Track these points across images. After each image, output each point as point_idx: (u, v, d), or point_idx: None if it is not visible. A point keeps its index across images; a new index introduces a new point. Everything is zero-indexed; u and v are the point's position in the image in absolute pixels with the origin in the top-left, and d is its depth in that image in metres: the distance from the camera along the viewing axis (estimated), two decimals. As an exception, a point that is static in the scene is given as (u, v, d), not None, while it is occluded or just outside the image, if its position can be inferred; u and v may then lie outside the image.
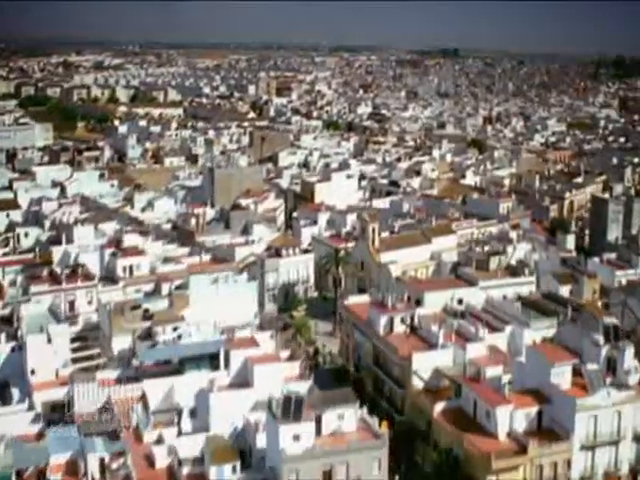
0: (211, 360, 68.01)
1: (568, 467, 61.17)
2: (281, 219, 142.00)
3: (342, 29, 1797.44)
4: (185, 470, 56.15)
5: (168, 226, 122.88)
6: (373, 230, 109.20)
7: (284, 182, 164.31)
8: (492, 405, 61.37)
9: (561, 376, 62.43)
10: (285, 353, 71.39)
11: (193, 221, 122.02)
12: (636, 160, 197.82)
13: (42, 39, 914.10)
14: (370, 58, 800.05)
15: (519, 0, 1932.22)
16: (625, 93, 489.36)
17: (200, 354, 68.86)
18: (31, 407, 65.99)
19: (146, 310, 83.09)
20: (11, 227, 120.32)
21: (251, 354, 66.11)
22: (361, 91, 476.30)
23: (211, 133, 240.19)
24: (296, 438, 54.07)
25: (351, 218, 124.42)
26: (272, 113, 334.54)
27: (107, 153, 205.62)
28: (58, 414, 65.08)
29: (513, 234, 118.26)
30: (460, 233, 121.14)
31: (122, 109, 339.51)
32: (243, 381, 65.00)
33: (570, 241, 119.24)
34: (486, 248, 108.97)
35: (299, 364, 69.07)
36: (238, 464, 55.95)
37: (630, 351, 64.81)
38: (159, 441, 59.42)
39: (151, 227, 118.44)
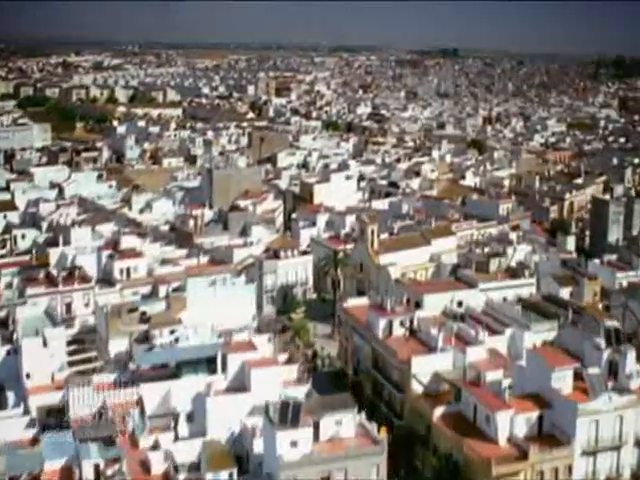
0: (208, 364, 67.25)
1: (569, 473, 60.41)
2: (280, 220, 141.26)
3: (341, 29, 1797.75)
4: (181, 476, 55.57)
5: (166, 227, 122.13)
6: (372, 232, 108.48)
7: (283, 183, 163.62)
8: (492, 410, 60.66)
9: (562, 380, 61.73)
10: (283, 356, 70.62)
11: (191, 222, 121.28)
12: (636, 161, 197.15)
13: (41, 39, 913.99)
14: (369, 58, 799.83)
15: (519, 0, 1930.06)
16: (625, 93, 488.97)
17: (197, 358, 68.19)
18: (26, 412, 65.21)
19: (143, 313, 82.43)
20: (8, 229, 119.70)
21: (248, 358, 65.33)
22: (360, 91, 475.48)
23: (210, 134, 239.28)
24: (294, 444, 53.36)
25: (350, 219, 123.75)
26: (271, 113, 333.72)
27: (105, 154, 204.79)
28: (54, 419, 64.45)
29: (513, 235, 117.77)
30: (460, 234, 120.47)
31: (121, 109, 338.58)
32: (240, 385, 64.28)
33: (570, 242, 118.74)
34: (486, 250, 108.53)
35: (297, 368, 68.36)
36: (235, 470, 55.33)
37: (632, 355, 64.05)
38: (155, 447, 58.68)
39: (149, 228, 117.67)
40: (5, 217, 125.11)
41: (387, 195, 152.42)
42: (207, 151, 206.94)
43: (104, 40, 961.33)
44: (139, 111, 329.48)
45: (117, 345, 77.12)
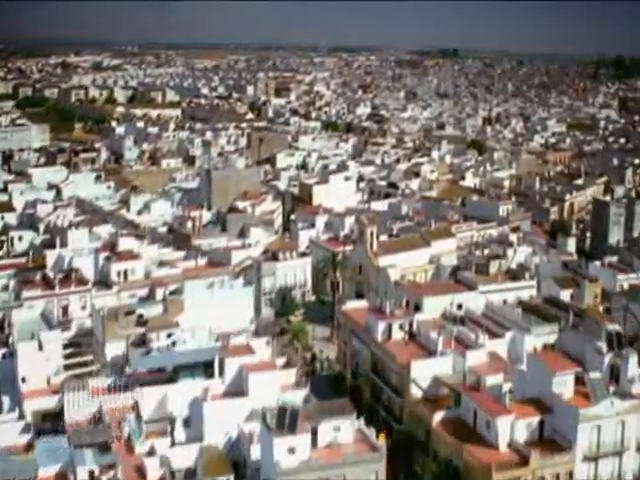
0: (205, 368, 66.65)
1: (570, 479, 59.63)
2: (279, 221, 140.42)
3: (341, 29, 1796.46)
4: (177, 483, 54.82)
5: (164, 229, 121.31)
6: (371, 233, 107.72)
7: (282, 184, 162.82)
8: (492, 415, 59.93)
9: (563, 385, 61.04)
10: (281, 360, 69.92)
11: (189, 224, 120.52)
12: (637, 161, 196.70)
13: (41, 39, 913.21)
14: (369, 58, 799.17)
15: (518, 0, 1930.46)
16: (625, 93, 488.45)
17: (194, 362, 67.50)
18: (21, 416, 64.49)
19: (140, 316, 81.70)
20: (5, 230, 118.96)
21: (246, 362, 64.84)
22: (360, 92, 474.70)
23: (209, 134, 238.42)
24: (291, 451, 52.73)
25: (349, 221, 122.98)
26: (270, 114, 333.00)
27: (104, 154, 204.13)
28: (49, 423, 63.66)
29: (513, 237, 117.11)
30: (460, 236, 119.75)
31: (120, 110, 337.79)
32: (238, 389, 63.79)
33: (571, 244, 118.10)
34: (486, 251, 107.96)
35: (295, 372, 67.69)
36: (232, 477, 54.88)
37: (634, 359, 63.31)
38: (151, 452, 58.04)
39: (147, 230, 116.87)
40: (2, 218, 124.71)
41: (386, 196, 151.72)
42: (206, 152, 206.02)
43: (104, 40, 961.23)
44: (138, 112, 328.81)
45: (114, 348, 76.48)
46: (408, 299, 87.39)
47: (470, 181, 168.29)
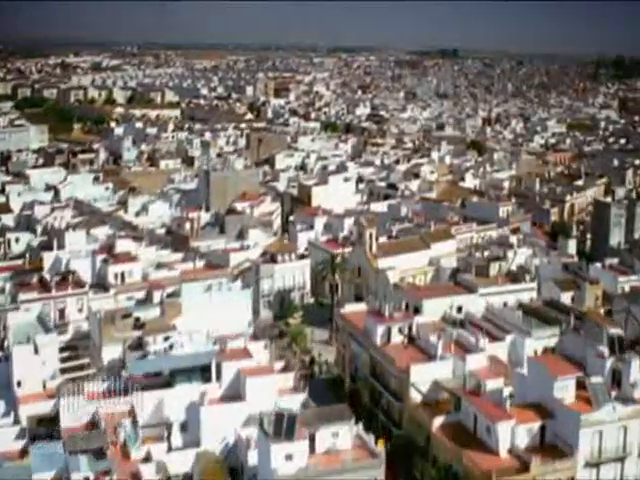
0: (202, 372, 66.00)
1: (572, 484, 59.01)
2: (277, 223, 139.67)
3: (340, 29, 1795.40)
4: (174, 488, 54.11)
5: (162, 231, 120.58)
6: (370, 235, 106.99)
7: (281, 185, 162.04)
8: (493, 420, 59.22)
9: (564, 390, 60.29)
10: (279, 364, 69.25)
11: (187, 225, 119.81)
12: (637, 162, 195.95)
13: (40, 40, 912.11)
14: (369, 59, 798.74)
15: (518, 0, 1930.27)
16: (625, 94, 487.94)
17: (191, 366, 66.84)
18: (16, 421, 63.80)
19: (137, 319, 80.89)
20: (2, 232, 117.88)
21: (244, 366, 64.21)
22: (359, 92, 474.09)
23: (208, 135, 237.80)
24: (289, 457, 51.93)
25: (348, 222, 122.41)
26: (270, 114, 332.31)
27: (102, 155, 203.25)
28: (44, 429, 62.92)
29: (513, 239, 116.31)
30: (459, 238, 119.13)
31: (119, 110, 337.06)
32: (235, 394, 63.12)
33: (571, 246, 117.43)
34: (486, 253, 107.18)
35: (293, 376, 67.00)
36: (229, 483, 53.97)
37: (636, 363, 62.43)
38: (147, 458, 57.33)
39: (145, 232, 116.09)
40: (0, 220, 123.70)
41: (386, 197, 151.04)
42: (205, 153, 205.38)
43: (103, 41, 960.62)
44: (137, 112, 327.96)
45: (110, 352, 75.86)
46: (407, 302, 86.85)
47: (470, 182, 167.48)
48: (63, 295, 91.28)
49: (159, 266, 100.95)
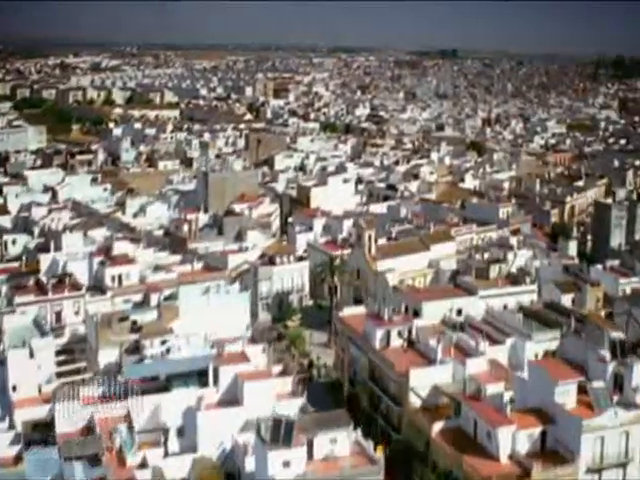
0: (199, 376, 65.22)
1: (573, 491, 58.24)
2: (276, 224, 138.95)
3: (340, 30, 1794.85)
4: (170, 495, 53.39)
5: (160, 232, 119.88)
6: (369, 237, 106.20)
7: (280, 186, 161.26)
8: (493, 425, 58.50)
9: (566, 395, 59.50)
10: (277, 368, 68.54)
11: (185, 227, 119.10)
12: (637, 163, 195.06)
13: (40, 40, 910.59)
14: (368, 59, 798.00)
15: (517, 0, 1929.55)
16: (625, 94, 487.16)
17: (188, 370, 66.14)
18: (11, 426, 63.10)
19: (134, 322, 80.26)
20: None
21: (241, 370, 63.39)
22: (359, 92, 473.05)
23: (206, 136, 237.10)
24: (286, 464, 51.18)
25: (347, 224, 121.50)
26: (269, 115, 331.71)
27: (100, 156, 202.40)
28: (39, 434, 62.21)
29: (513, 240, 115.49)
30: (459, 239, 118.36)
31: (117, 111, 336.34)
32: (233, 399, 62.33)
33: (572, 247, 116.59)
34: (486, 255, 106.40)
35: (292, 380, 66.27)
36: (225, 490, 53.26)
37: (638, 367, 61.68)
38: (143, 464, 56.57)
39: (142, 233, 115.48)
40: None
41: (385, 198, 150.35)
42: (203, 153, 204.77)
43: (103, 41, 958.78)
44: (136, 113, 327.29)
45: (107, 356, 75.07)
46: (407, 304, 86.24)
47: (470, 183, 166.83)
48: (60, 298, 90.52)
49: (157, 268, 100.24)
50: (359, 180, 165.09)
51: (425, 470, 62.36)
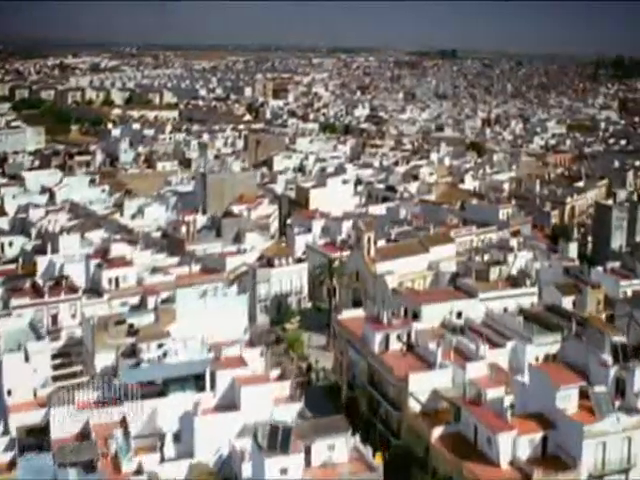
0: (196, 380, 64.58)
1: (575, 497, 57.42)
2: (275, 226, 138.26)
3: (340, 30, 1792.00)
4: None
5: (158, 234, 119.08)
6: (369, 239, 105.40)
7: (279, 187, 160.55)
8: (494, 431, 57.68)
9: (567, 400, 58.68)
10: (275, 372, 67.88)
11: (183, 229, 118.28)
12: (638, 163, 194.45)
13: (39, 40, 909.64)
14: (368, 59, 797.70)
15: (517, 0, 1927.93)
16: (625, 94, 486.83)
17: (185, 374, 65.42)
18: (6, 431, 62.30)
19: (131, 325, 79.42)
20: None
21: (239, 374, 62.65)
22: (358, 93, 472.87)
23: (205, 136, 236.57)
24: (283, 471, 50.34)
25: (347, 225, 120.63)
26: (268, 115, 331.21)
27: (99, 157, 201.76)
28: (34, 439, 61.41)
29: (513, 242, 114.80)
30: (459, 241, 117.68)
31: (116, 112, 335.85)
32: (230, 403, 61.58)
33: (572, 249, 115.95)
34: (486, 257, 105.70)
35: (290, 384, 65.58)
36: (222, 497, 52.51)
37: (640, 372, 61.07)
38: (139, 471, 55.79)
39: (140, 235, 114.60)
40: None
41: (384, 200, 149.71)
42: (202, 154, 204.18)
43: (103, 42, 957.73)
44: (135, 113, 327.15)
45: (103, 359, 74.26)
46: (406, 307, 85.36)
47: (469, 184, 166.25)
48: (56, 301, 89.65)
49: (154, 270, 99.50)
50: (358, 181, 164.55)
51: (424, 476, 61.59)
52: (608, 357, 64.39)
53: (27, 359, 69.09)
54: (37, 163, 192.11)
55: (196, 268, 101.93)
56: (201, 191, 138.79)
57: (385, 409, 70.07)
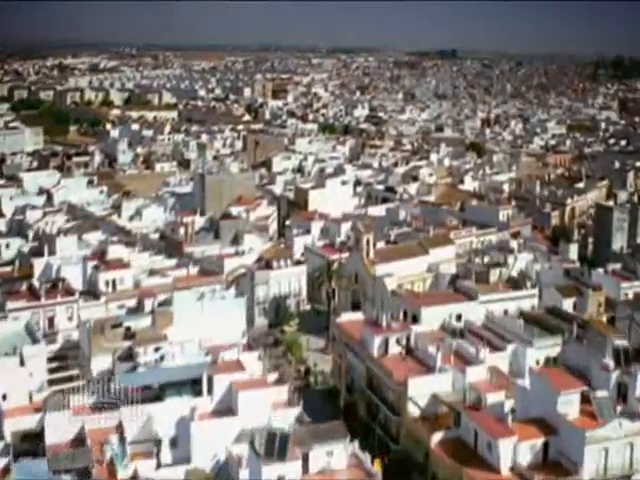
0: (193, 385, 63.84)
1: (576, 503, 56.69)
2: (273, 227, 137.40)
3: (340, 30, 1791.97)
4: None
5: (156, 236, 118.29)
6: (367, 241, 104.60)
7: (277, 188, 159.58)
8: (494, 436, 56.94)
9: (568, 405, 57.88)
10: (273, 376, 67.09)
11: (182, 230, 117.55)
12: (638, 164, 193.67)
13: (39, 41, 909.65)
14: (367, 60, 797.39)
15: (517, 0, 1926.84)
16: (624, 94, 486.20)
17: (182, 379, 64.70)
18: (0, 437, 61.47)
19: (128, 328, 78.59)
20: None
21: (236, 378, 61.93)
22: (358, 93, 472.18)
23: (204, 137, 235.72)
24: (281, 479, 49.55)
25: (346, 227, 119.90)
26: (267, 116, 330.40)
27: (97, 158, 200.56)
28: (29, 444, 60.60)
29: (514, 243, 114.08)
30: (459, 242, 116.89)
31: (115, 112, 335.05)
32: (227, 408, 60.87)
33: (573, 251, 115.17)
34: (486, 259, 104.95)
35: (288, 388, 64.85)
36: (218, 504, 51.77)
37: (642, 376, 60.36)
38: (134, 477, 55.09)
39: (138, 237, 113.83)
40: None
41: (384, 201, 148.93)
42: (201, 155, 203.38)
43: (103, 42, 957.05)
44: (134, 114, 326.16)
45: (100, 363, 73.39)
46: (405, 309, 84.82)
47: (469, 185, 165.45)
48: (52, 303, 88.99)
49: (152, 273, 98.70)
50: (357, 182, 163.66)
51: (424, 482, 60.94)
52: (610, 361, 63.70)
53: (22, 363, 68.35)
54: (35, 164, 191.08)
55: (194, 270, 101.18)
56: (199, 192, 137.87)
57: (384, 414, 69.27)
